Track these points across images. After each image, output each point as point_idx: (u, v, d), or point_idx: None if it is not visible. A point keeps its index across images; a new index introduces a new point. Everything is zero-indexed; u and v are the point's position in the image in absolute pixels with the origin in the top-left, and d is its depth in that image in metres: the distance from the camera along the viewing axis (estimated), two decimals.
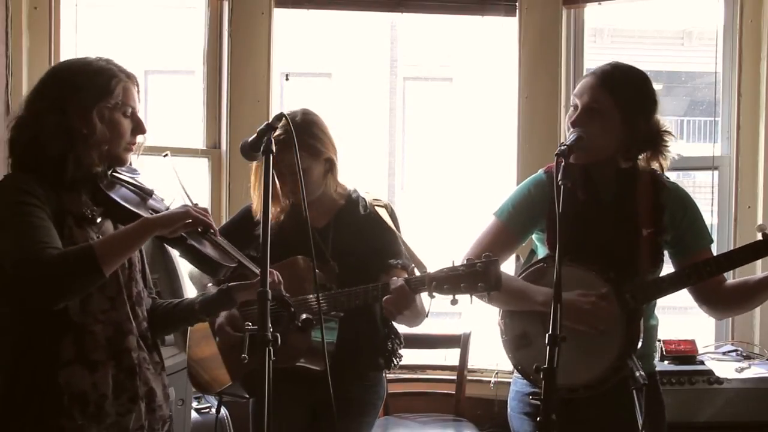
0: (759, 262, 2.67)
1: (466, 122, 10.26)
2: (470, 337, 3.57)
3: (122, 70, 1.90)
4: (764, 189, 3.57)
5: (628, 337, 2.07)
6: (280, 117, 1.92)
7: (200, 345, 2.43)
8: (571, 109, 2.16)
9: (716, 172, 3.71)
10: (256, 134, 1.86)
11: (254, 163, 2.32)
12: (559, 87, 3.77)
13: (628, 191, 2.18)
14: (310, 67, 9.76)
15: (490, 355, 3.67)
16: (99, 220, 1.88)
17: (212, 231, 1.90)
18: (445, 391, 3.60)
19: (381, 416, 3.35)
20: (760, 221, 3.53)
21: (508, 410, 2.31)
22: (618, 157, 2.15)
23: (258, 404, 1.61)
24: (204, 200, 3.76)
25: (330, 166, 2.40)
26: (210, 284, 2.37)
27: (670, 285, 2.10)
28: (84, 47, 3.63)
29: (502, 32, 4.04)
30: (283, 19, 3.87)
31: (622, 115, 2.09)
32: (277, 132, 1.92)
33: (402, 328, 2.49)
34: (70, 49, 3.54)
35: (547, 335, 1.71)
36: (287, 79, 4.10)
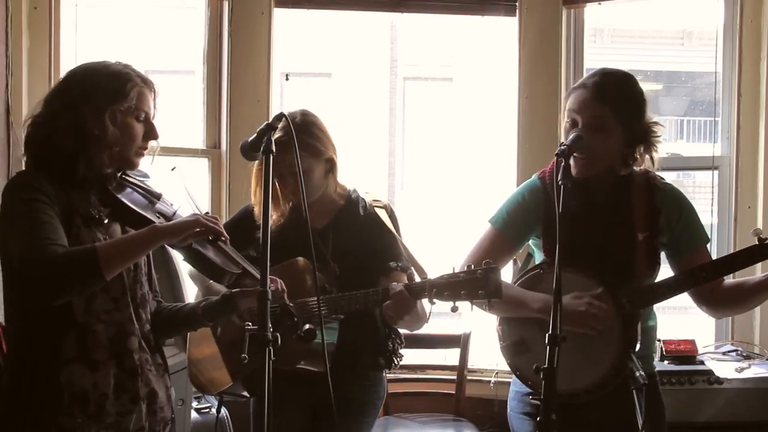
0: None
1: (466, 122, 10.23)
2: (470, 337, 3.57)
3: (139, 75, 1.91)
4: (764, 189, 3.57)
5: (626, 340, 2.06)
6: (280, 117, 1.92)
7: (200, 345, 2.43)
8: (568, 123, 2.14)
9: (716, 172, 3.70)
10: (256, 134, 1.86)
11: (254, 167, 2.32)
12: (559, 87, 3.77)
13: (622, 196, 2.18)
14: (310, 67, 9.73)
15: (490, 355, 3.66)
16: (106, 221, 1.88)
17: (223, 239, 1.89)
18: (445, 391, 3.60)
19: (381, 416, 3.35)
20: (760, 221, 3.54)
21: (508, 410, 2.31)
22: (617, 166, 2.15)
23: (258, 404, 1.61)
24: (204, 200, 3.76)
25: (331, 166, 2.40)
26: (211, 282, 2.36)
27: (667, 290, 2.10)
28: (84, 47, 3.63)
29: (502, 32, 4.03)
30: (283, 19, 3.87)
31: (622, 122, 2.10)
32: (277, 134, 1.92)
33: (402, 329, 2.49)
34: (70, 49, 3.54)
35: (547, 335, 1.71)
36: (287, 79, 4.09)
